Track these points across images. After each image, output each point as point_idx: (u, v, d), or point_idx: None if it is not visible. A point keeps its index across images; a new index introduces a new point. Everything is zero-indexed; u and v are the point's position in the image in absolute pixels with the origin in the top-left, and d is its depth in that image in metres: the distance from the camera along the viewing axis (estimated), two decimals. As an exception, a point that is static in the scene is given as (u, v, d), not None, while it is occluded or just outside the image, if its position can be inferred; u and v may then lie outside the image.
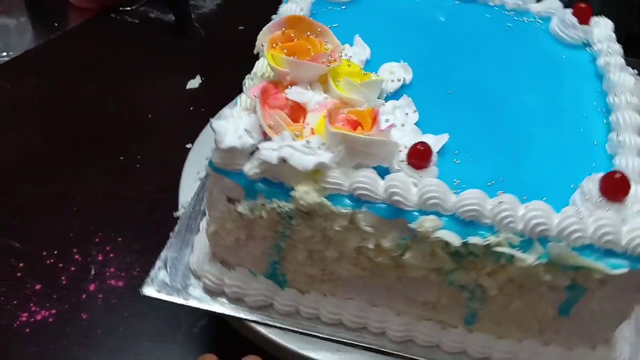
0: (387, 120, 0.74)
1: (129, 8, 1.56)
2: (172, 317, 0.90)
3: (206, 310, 0.79)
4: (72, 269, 0.97)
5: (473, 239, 0.65)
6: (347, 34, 0.86)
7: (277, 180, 0.69)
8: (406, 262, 0.69)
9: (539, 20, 0.94)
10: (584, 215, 0.65)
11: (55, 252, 0.99)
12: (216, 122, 0.70)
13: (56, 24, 1.52)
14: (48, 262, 0.98)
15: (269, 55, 0.74)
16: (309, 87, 0.74)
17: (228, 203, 0.73)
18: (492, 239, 0.65)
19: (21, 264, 0.97)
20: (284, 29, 0.77)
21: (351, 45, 0.85)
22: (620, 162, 0.72)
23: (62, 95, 1.30)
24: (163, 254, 0.83)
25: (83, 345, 0.87)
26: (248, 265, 0.78)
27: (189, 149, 1.03)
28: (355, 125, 0.71)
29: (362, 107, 0.73)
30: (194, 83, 1.22)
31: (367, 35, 0.87)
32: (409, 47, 0.87)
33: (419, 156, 0.69)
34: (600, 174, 0.67)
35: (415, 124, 0.75)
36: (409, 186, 0.67)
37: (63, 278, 0.95)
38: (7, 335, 0.88)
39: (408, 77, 0.81)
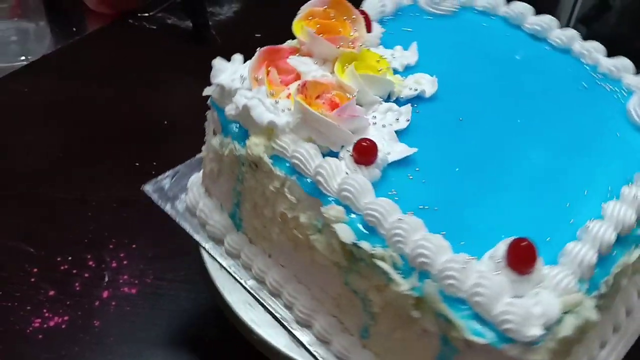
0: (374, 117, 0.76)
1: (146, 14, 1.56)
2: (185, 327, 0.93)
3: (175, 223, 0.88)
4: (86, 275, 0.98)
5: (363, 244, 0.65)
6: (412, 40, 0.87)
7: (245, 127, 0.76)
8: (314, 245, 0.71)
9: (625, 93, 0.83)
10: (471, 268, 0.60)
11: (70, 258, 0.99)
12: (219, 60, 0.79)
13: (74, 29, 1.52)
14: (62, 268, 0.98)
15: (298, 24, 0.80)
16: (317, 62, 0.79)
17: (212, 134, 0.82)
18: (378, 250, 0.64)
19: (35, 270, 0.97)
20: (326, 6, 0.82)
21: (406, 49, 0.87)
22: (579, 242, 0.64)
23: (79, 99, 1.31)
24: (178, 167, 0.94)
25: (95, 352, 0.89)
26: (220, 199, 0.86)
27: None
28: (334, 107, 0.74)
29: (351, 95, 0.75)
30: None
31: (429, 46, 0.86)
32: (460, 70, 0.85)
33: (360, 151, 0.69)
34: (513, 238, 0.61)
35: (399, 130, 0.75)
36: (337, 173, 0.68)
37: (77, 284, 0.96)
38: (20, 341, 0.89)
39: (429, 91, 0.80)
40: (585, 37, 0.89)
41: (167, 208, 0.89)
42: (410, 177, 0.71)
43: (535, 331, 0.56)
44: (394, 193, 0.69)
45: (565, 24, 0.93)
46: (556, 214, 0.68)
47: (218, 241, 0.86)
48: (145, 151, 1.17)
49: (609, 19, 0.89)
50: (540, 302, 0.58)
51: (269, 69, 0.77)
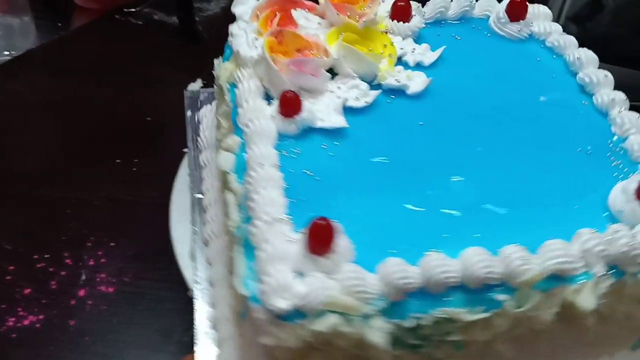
0: (339, 88, 0.77)
1: (133, 9, 1.50)
2: (163, 326, 0.89)
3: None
4: (63, 273, 0.95)
5: (229, 175, 0.68)
6: (453, 47, 0.84)
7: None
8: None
9: (629, 175, 0.70)
10: (278, 228, 0.59)
11: (47, 255, 0.97)
12: (246, -9, 0.86)
13: (60, 24, 1.48)
14: (39, 265, 0.96)
15: (322, -13, 0.83)
16: (322, 24, 0.82)
17: (225, 59, 0.90)
18: (234, 184, 0.67)
19: (11, 267, 0.95)
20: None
21: (433, 50, 0.84)
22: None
23: (63, 96, 1.27)
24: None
25: (70, 352, 0.86)
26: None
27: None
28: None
29: (327, 59, 0.77)
30: (195, 86, 1.08)
31: (462, 58, 0.84)
32: (469, 88, 0.80)
33: (281, 101, 0.71)
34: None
35: (356, 108, 0.75)
36: (254, 111, 0.71)
37: (53, 282, 0.93)
38: (-7, 340, 0.85)
39: (414, 89, 0.77)
40: (578, 38, 0.83)
41: (188, 113, 0.99)
42: (324, 146, 0.71)
43: (281, 304, 0.54)
44: (297, 151, 0.70)
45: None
46: (427, 237, 0.62)
47: (200, 169, 0.93)
48: (128, 148, 1.14)
49: (602, 19, 0.87)
50: (312, 284, 0.55)
51: (277, 13, 0.81)
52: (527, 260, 0.58)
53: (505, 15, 0.87)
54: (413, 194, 0.67)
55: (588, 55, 0.82)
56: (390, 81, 0.78)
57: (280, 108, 0.71)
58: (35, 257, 0.97)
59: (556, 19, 0.90)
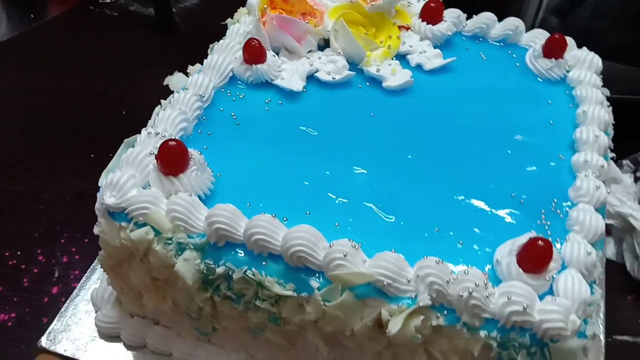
0: (319, 58, 0.79)
1: (108, 0, 1.40)
2: None
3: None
4: (35, 270, 0.93)
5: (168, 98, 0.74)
6: (471, 64, 0.82)
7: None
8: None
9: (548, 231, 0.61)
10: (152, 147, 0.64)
11: (19, 252, 0.94)
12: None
13: (33, 15, 1.44)
14: (10, 263, 0.93)
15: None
16: (339, -2, 0.83)
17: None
18: (157, 108, 0.72)
19: None
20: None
21: (445, 58, 0.81)
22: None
23: (35, 88, 1.23)
24: None
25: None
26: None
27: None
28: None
29: (316, 28, 0.79)
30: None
31: (469, 76, 0.81)
32: (452, 105, 0.76)
33: (244, 47, 0.74)
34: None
35: (323, 80, 0.76)
36: (224, 51, 0.76)
37: (25, 280, 0.92)
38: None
39: (390, 82, 0.76)
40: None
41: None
42: (268, 100, 0.73)
43: (108, 199, 0.60)
44: (240, 96, 0.74)
45: (533, 15, 0.88)
46: (290, 207, 0.62)
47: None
48: (103, 142, 1.06)
49: (583, 12, 0.86)
50: (142, 195, 0.60)
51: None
52: (347, 257, 0.55)
53: (541, 49, 0.80)
54: (312, 169, 0.67)
55: (597, 114, 0.73)
56: (371, 69, 0.77)
57: (245, 53, 0.75)
58: (7, 254, 0.95)
59: (536, 12, 0.87)
